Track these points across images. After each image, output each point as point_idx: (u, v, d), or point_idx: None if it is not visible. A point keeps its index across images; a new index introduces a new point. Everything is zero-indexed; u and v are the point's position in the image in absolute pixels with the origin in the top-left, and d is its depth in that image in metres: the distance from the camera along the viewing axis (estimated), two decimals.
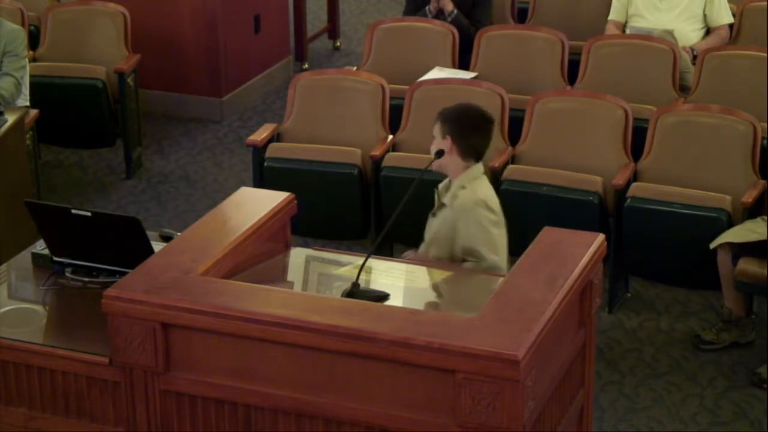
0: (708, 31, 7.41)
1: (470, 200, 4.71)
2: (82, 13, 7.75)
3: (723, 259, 5.73)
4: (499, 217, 4.76)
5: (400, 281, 4.40)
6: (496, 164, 6.27)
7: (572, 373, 4.18)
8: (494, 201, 4.79)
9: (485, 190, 4.79)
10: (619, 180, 6.09)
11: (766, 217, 5.76)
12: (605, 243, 4.27)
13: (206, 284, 3.97)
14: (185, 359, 3.91)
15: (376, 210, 6.48)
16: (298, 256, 4.64)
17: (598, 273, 4.19)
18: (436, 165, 4.80)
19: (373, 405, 3.73)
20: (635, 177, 6.20)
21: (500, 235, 4.73)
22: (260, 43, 8.74)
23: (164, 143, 8.19)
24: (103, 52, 7.59)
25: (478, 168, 4.79)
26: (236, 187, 4.83)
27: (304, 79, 6.80)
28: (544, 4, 7.85)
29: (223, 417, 3.92)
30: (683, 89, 6.95)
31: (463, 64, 7.25)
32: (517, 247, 4.60)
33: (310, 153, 6.48)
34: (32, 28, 7.85)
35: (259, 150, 6.55)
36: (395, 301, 4.17)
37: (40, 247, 4.59)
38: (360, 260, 4.26)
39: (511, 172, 6.25)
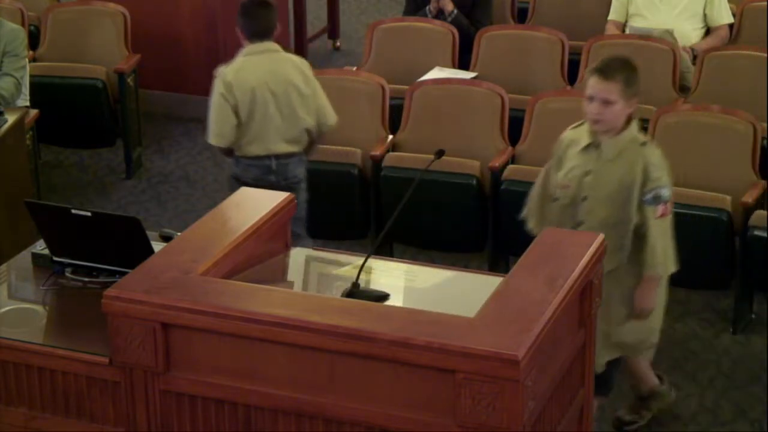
0: (708, 31, 7.42)
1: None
2: (82, 13, 7.76)
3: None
4: None
5: (400, 281, 4.40)
6: (496, 164, 6.27)
7: (572, 373, 4.18)
8: None
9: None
10: None
11: None
12: (605, 243, 4.27)
13: (206, 284, 3.97)
14: (185, 359, 3.91)
15: (376, 210, 6.48)
16: (298, 256, 4.64)
17: (598, 273, 4.19)
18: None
19: (373, 405, 3.72)
20: None
21: None
22: None
23: (164, 143, 8.19)
24: (103, 52, 7.59)
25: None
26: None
27: None
28: (544, 4, 7.86)
29: (223, 417, 3.92)
30: (683, 89, 6.95)
31: (463, 64, 7.26)
32: (517, 247, 4.61)
33: None
34: (32, 28, 7.85)
35: None
36: (395, 301, 4.17)
37: (40, 247, 4.59)
38: (360, 260, 4.26)
39: (511, 172, 6.25)
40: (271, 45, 5.96)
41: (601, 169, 4.92)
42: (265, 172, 5.93)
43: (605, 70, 4.86)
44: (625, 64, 4.92)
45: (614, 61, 4.94)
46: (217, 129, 5.90)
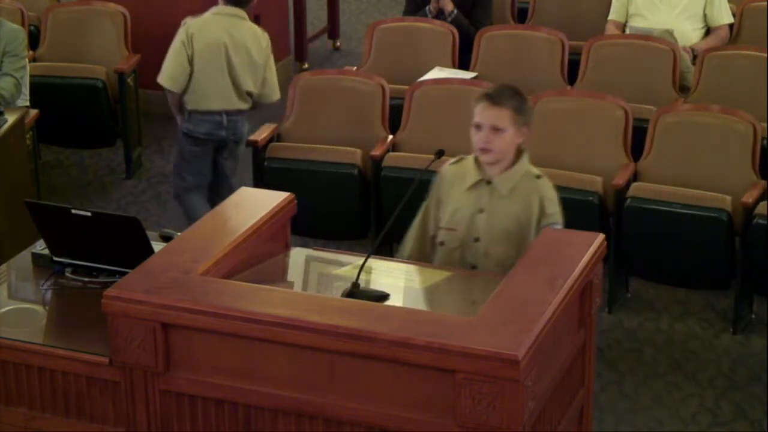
0: (708, 31, 7.42)
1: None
2: (82, 13, 7.75)
3: None
4: None
5: (400, 281, 4.40)
6: None
7: (572, 373, 4.18)
8: None
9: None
10: (619, 180, 6.10)
11: None
12: (605, 243, 4.28)
13: (206, 284, 3.97)
14: (185, 359, 3.91)
15: (376, 210, 6.48)
16: (298, 256, 4.64)
17: (598, 273, 4.19)
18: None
19: (373, 405, 3.73)
20: (635, 177, 6.21)
21: None
22: None
23: (164, 143, 8.19)
24: (103, 52, 7.59)
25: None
26: (236, 187, 4.85)
27: (304, 79, 6.81)
28: (544, 4, 7.85)
29: (223, 417, 3.92)
30: (683, 89, 6.95)
31: (463, 64, 7.26)
32: None
33: (310, 153, 6.48)
34: (32, 28, 7.85)
35: (259, 150, 6.55)
36: (395, 301, 4.17)
37: (40, 247, 4.59)
38: (360, 260, 4.26)
39: None
40: (240, 12, 6.49)
41: (494, 206, 4.57)
42: (216, 127, 6.46)
43: (494, 96, 4.53)
44: (515, 92, 4.58)
45: (504, 88, 4.61)
46: (171, 72, 6.45)
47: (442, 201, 4.67)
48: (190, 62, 6.41)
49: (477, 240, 4.57)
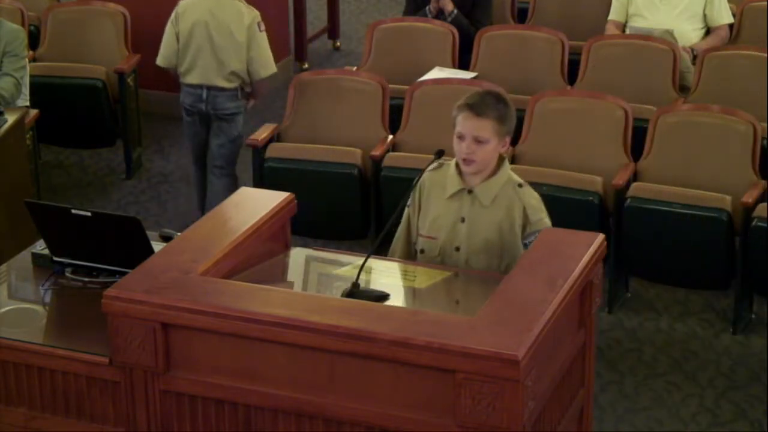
0: (708, 31, 7.42)
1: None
2: (82, 13, 7.75)
3: None
4: None
5: (400, 281, 4.40)
6: None
7: (572, 373, 4.18)
8: None
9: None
10: (619, 180, 6.10)
11: None
12: (605, 243, 4.27)
13: (206, 284, 3.97)
14: (185, 359, 3.91)
15: (376, 210, 6.48)
16: (298, 256, 4.64)
17: (598, 273, 4.19)
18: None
19: (373, 405, 3.73)
20: (635, 177, 6.21)
21: None
22: None
23: (164, 143, 8.19)
24: (103, 52, 7.59)
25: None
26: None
27: (304, 79, 6.81)
28: (544, 4, 7.85)
29: (223, 417, 3.92)
30: (683, 89, 6.95)
31: (463, 64, 7.25)
32: None
33: (310, 153, 6.48)
34: (32, 28, 7.85)
35: (259, 150, 6.55)
36: (395, 301, 4.17)
37: (40, 247, 4.59)
38: (360, 260, 4.26)
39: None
40: None
41: (475, 216, 4.48)
42: (197, 100, 6.79)
43: (476, 107, 4.39)
44: (499, 100, 4.45)
45: (486, 96, 4.46)
46: (163, 51, 6.86)
47: (421, 208, 4.60)
48: (177, 39, 6.77)
49: (457, 249, 4.50)
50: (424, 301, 4.37)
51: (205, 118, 6.83)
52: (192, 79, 6.77)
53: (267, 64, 6.73)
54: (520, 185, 4.52)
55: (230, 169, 6.89)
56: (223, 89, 6.72)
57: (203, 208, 6.91)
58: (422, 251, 4.57)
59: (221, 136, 6.82)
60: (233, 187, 6.47)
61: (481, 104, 4.41)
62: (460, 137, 4.43)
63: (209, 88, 6.72)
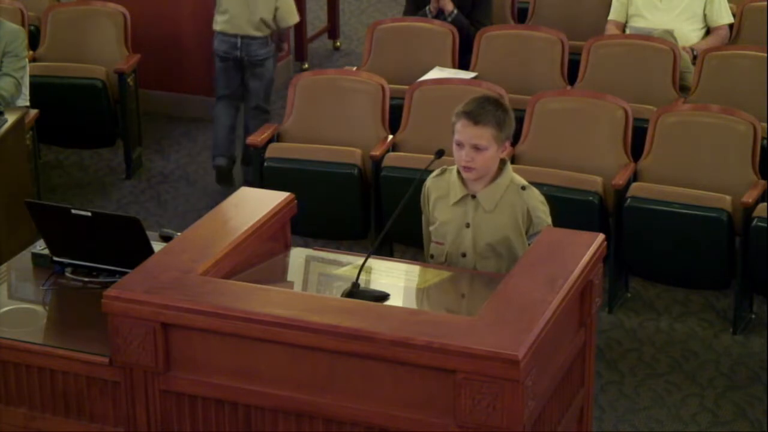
0: (708, 31, 7.42)
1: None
2: (82, 13, 7.75)
3: None
4: None
5: (400, 281, 4.40)
6: None
7: (572, 373, 4.18)
8: None
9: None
10: (619, 180, 6.10)
11: None
12: (605, 243, 4.27)
13: (206, 284, 3.97)
14: (185, 359, 3.91)
15: (376, 210, 6.48)
16: (298, 256, 4.64)
17: (598, 273, 4.19)
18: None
19: (373, 405, 3.73)
20: (635, 177, 6.21)
21: None
22: None
23: (164, 143, 8.19)
24: (103, 52, 7.59)
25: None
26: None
27: (304, 79, 6.81)
28: (544, 4, 7.85)
29: (223, 417, 3.92)
30: (683, 89, 6.95)
31: (463, 64, 7.25)
32: None
33: (310, 153, 6.48)
34: (32, 28, 7.85)
35: (259, 150, 6.55)
36: (395, 301, 4.17)
37: (40, 247, 4.59)
38: (360, 260, 4.26)
39: None
40: None
41: (480, 221, 4.49)
42: (231, 48, 7.41)
43: (475, 114, 4.38)
44: (497, 106, 4.43)
45: (484, 102, 4.44)
46: None
47: (429, 215, 4.64)
48: None
49: (464, 255, 4.52)
50: (425, 301, 4.37)
51: (239, 64, 7.45)
52: (227, 27, 7.40)
53: (293, 13, 7.51)
54: (523, 188, 4.52)
55: (266, 107, 7.58)
56: (255, 38, 7.39)
57: (221, 139, 7.54)
58: (432, 256, 4.61)
59: (256, 80, 7.48)
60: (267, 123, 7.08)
61: (479, 111, 4.40)
62: (459, 145, 4.43)
63: (243, 36, 7.37)
